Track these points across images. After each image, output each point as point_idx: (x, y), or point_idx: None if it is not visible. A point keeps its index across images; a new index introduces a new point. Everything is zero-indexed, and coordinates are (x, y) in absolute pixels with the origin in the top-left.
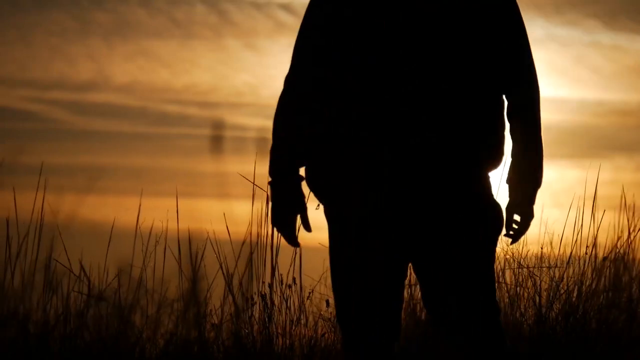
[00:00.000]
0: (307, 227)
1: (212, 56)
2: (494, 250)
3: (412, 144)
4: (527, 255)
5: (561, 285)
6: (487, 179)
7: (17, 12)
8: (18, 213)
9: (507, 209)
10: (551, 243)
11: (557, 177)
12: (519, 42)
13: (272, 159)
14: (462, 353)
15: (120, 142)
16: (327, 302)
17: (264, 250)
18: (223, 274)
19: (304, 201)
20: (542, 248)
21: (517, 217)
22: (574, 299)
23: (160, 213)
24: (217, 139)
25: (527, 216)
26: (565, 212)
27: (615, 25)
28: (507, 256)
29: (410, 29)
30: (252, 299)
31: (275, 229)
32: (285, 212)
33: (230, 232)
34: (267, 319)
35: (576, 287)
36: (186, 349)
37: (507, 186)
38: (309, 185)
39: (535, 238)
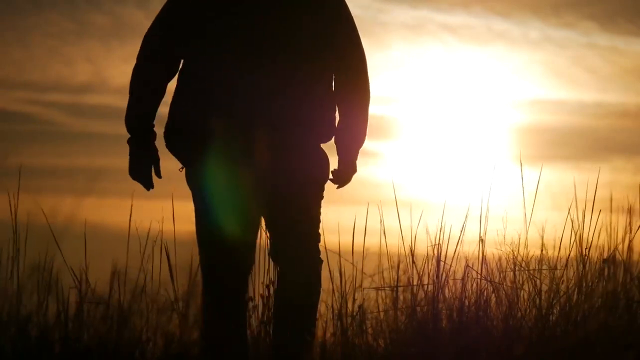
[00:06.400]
0: (158, 175)
1: None
2: (322, 190)
3: (261, 112)
4: (527, 257)
5: (561, 287)
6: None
7: (15, 14)
8: (16, 215)
9: (339, 164)
10: (549, 245)
11: (555, 178)
12: (351, 34)
13: (127, 116)
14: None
15: (118, 144)
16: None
17: (263, 252)
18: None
19: (156, 154)
20: (541, 250)
21: (343, 170)
22: (574, 301)
23: (158, 215)
24: None
25: (352, 169)
26: (564, 214)
27: (612, 27)
28: (508, 257)
29: (267, 13)
30: (252, 300)
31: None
32: (141, 165)
33: None
34: (267, 320)
35: (576, 288)
36: (186, 350)
37: (337, 146)
38: (167, 146)
39: (535, 240)
